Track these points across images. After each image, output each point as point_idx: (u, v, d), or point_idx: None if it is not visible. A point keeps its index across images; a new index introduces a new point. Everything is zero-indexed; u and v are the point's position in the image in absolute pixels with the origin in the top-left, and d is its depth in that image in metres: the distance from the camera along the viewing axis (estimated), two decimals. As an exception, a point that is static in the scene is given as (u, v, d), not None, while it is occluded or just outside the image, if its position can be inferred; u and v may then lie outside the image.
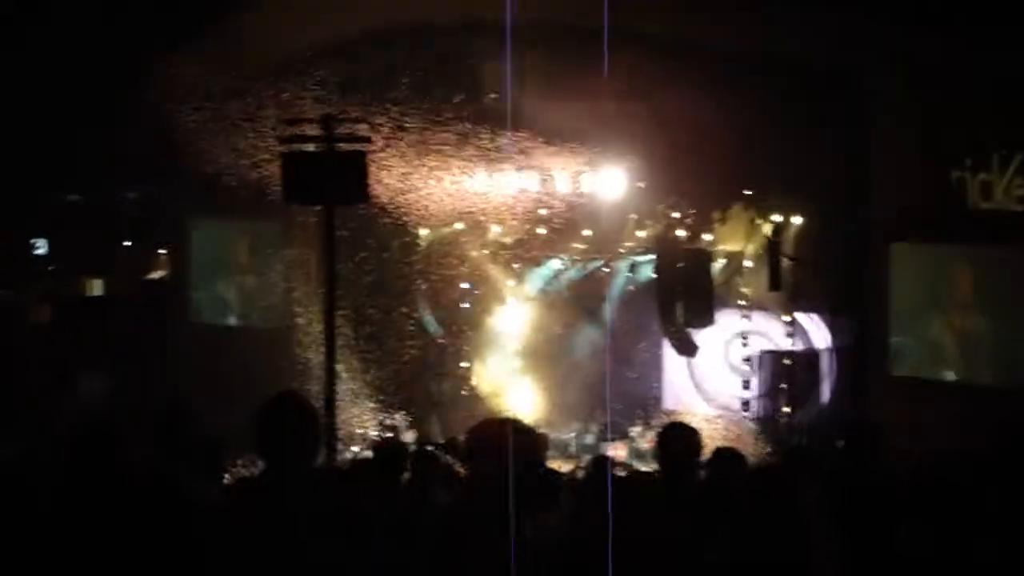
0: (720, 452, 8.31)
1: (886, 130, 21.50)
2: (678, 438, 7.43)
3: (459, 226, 25.44)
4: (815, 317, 23.26)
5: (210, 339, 28.62)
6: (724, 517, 6.28)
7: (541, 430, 5.20)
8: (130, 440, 4.75)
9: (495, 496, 4.78)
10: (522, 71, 22.80)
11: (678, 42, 22.03)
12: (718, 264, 23.90)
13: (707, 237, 23.74)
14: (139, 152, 25.66)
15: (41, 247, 36.90)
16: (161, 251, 33.63)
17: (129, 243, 34.21)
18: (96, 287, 36.34)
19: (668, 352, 24.95)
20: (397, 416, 25.18)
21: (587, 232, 24.91)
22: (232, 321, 29.67)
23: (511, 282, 25.99)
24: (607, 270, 25.82)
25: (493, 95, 24.07)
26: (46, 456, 5.69)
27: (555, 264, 25.96)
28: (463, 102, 24.01)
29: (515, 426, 5.10)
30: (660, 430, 7.73)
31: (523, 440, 4.92)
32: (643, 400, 25.32)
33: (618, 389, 25.02)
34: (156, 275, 34.50)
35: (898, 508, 7.40)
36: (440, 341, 26.76)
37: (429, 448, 9.96)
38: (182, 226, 29.60)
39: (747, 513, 6.16)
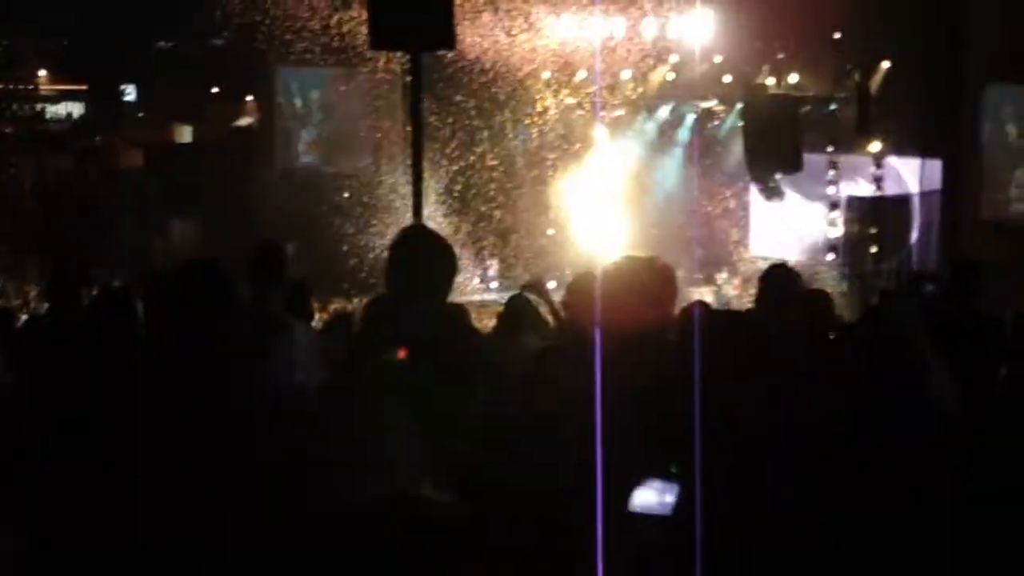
0: (813, 293, 8.16)
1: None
2: (780, 278, 7.35)
3: (545, 74, 25.31)
4: (904, 160, 23.04)
5: (296, 184, 28.84)
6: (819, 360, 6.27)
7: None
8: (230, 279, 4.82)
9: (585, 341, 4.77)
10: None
11: None
12: (806, 108, 23.64)
13: (794, 80, 23.47)
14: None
15: (131, 94, 37.23)
16: (248, 98, 33.78)
17: (217, 90, 34.39)
18: (185, 134, 36.66)
19: (755, 197, 24.85)
20: (488, 263, 25.38)
21: (673, 76, 24.70)
22: (318, 166, 29.81)
23: (598, 128, 25.86)
24: (693, 115, 25.66)
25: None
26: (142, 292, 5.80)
27: (642, 109, 25.80)
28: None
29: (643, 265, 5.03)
30: (764, 270, 7.61)
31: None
32: (729, 245, 25.29)
33: (704, 234, 25.00)
34: (243, 122, 34.70)
35: (999, 349, 7.37)
36: (528, 187, 26.82)
37: (517, 293, 10.01)
38: (269, 73, 29.62)
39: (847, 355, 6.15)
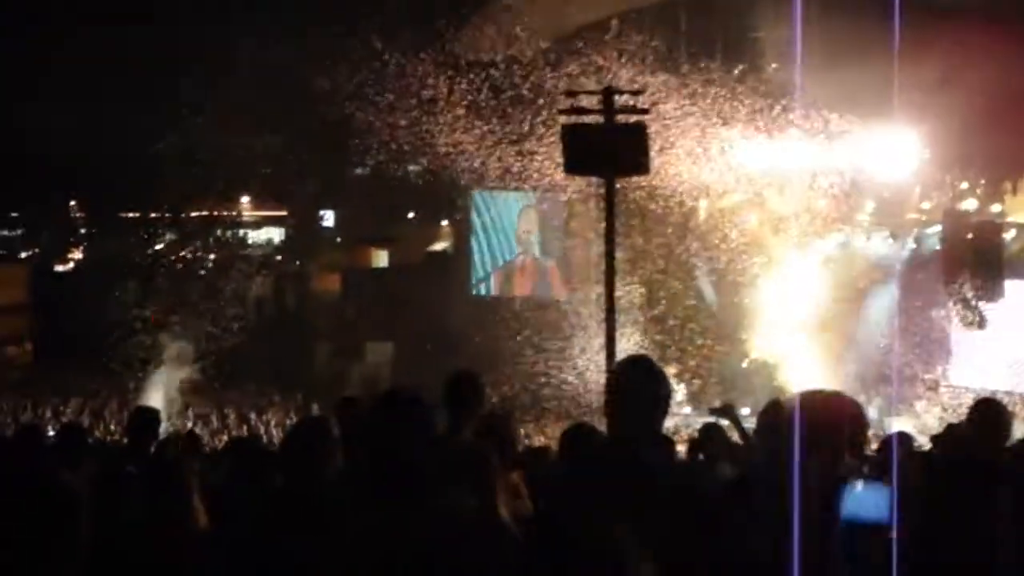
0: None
1: None
2: (991, 414, 7.04)
3: (738, 197, 25.23)
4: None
5: (490, 309, 29.05)
6: None
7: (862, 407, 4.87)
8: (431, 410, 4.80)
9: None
10: (805, 40, 22.46)
11: (970, 7, 21.40)
12: (1009, 235, 23.10)
13: (997, 208, 23.00)
14: (418, 126, 26.13)
15: (328, 219, 38.07)
16: (443, 223, 34.29)
17: (413, 215, 35.03)
18: (381, 258, 37.31)
19: (955, 325, 24.28)
20: (678, 387, 25.14)
21: (870, 203, 24.40)
22: (510, 291, 30.00)
23: (792, 253, 25.61)
24: (891, 241, 25.24)
25: (774, 65, 23.86)
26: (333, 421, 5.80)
27: (837, 235, 25.47)
28: (744, 72, 23.90)
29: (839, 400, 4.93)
30: (974, 403, 7.33)
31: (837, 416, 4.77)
32: (929, 374, 24.70)
33: (903, 362, 24.46)
34: (438, 246, 35.19)
35: None
36: (720, 312, 26.65)
37: (711, 422, 9.89)
38: (464, 197, 30.03)
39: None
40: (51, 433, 10.89)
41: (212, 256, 34.91)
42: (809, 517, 4.40)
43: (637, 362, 5.10)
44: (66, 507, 3.04)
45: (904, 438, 8.62)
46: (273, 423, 24.15)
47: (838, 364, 24.07)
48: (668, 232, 26.18)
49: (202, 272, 33.45)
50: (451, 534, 4.30)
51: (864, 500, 3.22)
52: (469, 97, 25.33)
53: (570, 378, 25.50)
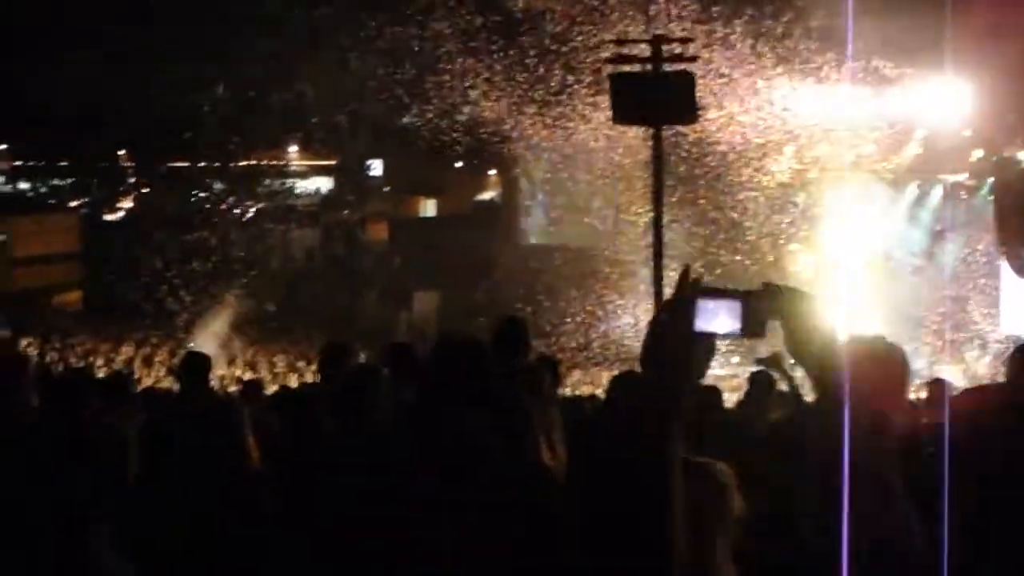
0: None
1: None
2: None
3: (788, 147, 25.09)
4: None
5: (537, 257, 29.06)
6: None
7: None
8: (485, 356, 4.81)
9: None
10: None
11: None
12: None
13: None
14: (465, 77, 26.12)
15: (376, 169, 38.08)
16: (491, 172, 34.27)
17: (460, 164, 35.01)
18: (429, 207, 37.36)
19: (1006, 274, 24.11)
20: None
21: (920, 151, 24.24)
22: (558, 238, 29.98)
23: (842, 200, 25.48)
24: (942, 190, 25.08)
25: (823, 13, 23.69)
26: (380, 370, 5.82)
27: (888, 184, 25.32)
28: (792, 21, 23.73)
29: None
30: (1013, 351, 7.27)
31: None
32: (978, 323, 24.57)
33: (952, 310, 24.35)
34: (486, 196, 35.20)
35: None
36: (764, 262, 26.55)
37: (761, 369, 9.88)
38: (511, 148, 29.99)
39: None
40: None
41: (261, 205, 35.07)
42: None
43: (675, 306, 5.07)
44: (112, 448, 3.06)
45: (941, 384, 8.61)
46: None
47: (885, 311, 23.95)
48: (716, 181, 26.09)
49: (250, 221, 33.63)
50: (496, 474, 4.33)
51: (714, 313, 3.13)
52: (518, 48, 25.29)
53: (619, 326, 25.55)
